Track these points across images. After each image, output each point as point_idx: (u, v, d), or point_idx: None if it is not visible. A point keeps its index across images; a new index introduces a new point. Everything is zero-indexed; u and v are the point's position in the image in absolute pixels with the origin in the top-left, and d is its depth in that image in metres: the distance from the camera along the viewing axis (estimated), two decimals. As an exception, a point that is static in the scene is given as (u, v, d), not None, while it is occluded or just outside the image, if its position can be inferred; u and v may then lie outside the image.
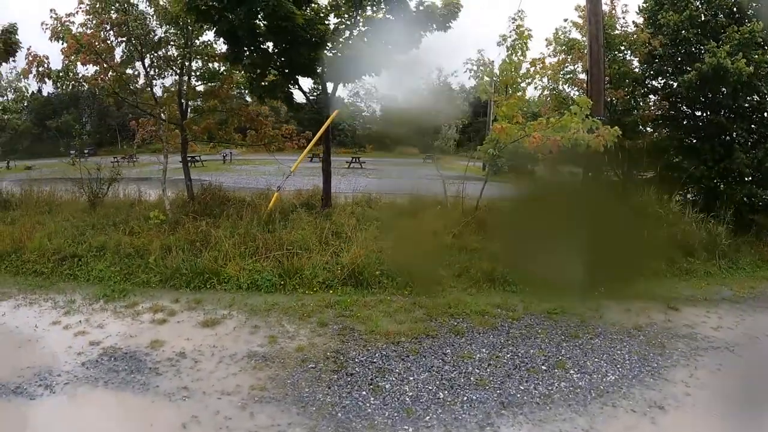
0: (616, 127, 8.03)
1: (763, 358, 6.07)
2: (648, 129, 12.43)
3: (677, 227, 9.39)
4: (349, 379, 5.23)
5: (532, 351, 5.95)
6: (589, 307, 7.06)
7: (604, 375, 5.48)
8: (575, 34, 12.39)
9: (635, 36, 12.00)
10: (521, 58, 10.69)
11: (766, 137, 11.04)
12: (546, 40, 12.61)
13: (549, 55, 12.58)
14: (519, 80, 10.85)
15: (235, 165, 24.81)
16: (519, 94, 11.16)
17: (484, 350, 5.95)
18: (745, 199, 10.59)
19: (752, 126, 11.42)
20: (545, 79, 12.37)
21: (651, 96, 12.51)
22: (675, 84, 11.66)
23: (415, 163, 18.54)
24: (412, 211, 10.80)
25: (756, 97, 11.13)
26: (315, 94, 11.41)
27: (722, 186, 10.95)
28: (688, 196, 11.30)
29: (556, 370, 5.54)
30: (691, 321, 6.91)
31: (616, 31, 12.22)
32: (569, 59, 12.41)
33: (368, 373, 5.35)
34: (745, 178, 10.77)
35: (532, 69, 11.57)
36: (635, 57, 12.37)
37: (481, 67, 10.52)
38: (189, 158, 11.27)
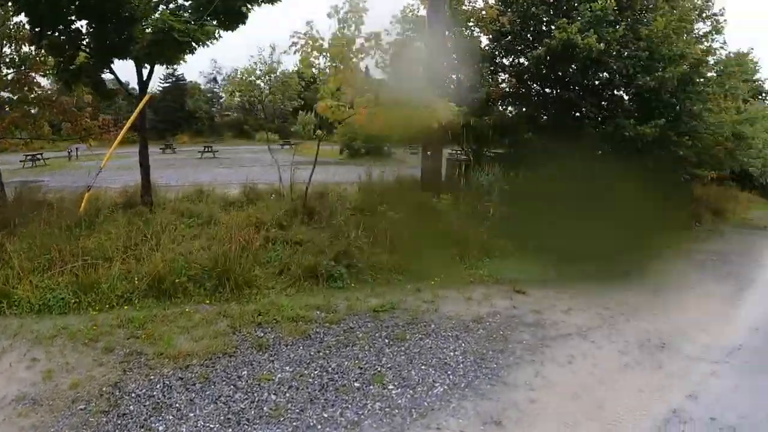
0: (453, 104, 7.14)
1: (619, 342, 5.37)
2: (501, 107, 11.98)
3: (524, 203, 8.83)
4: (119, 421, 3.99)
5: (346, 363, 4.69)
6: (425, 299, 5.97)
7: (430, 386, 4.34)
8: (424, 12, 11.58)
9: (484, 13, 11.44)
10: (354, 32, 9.51)
11: (616, 113, 10.87)
12: (393, 17, 11.88)
13: (399, 34, 11.71)
14: (351, 55, 9.70)
15: (81, 161, 21.75)
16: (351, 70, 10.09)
17: (287, 368, 4.63)
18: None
19: (602, 102, 11.27)
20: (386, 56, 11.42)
21: (501, 73, 12.08)
22: (525, 61, 11.24)
23: (273, 150, 17.30)
24: (245, 202, 9.48)
25: (606, 74, 10.93)
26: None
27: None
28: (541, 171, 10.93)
29: (371, 387, 4.32)
30: (539, 305, 6.15)
31: (464, 7, 11.61)
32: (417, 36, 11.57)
33: (143, 411, 4.11)
34: (595, 152, 10.49)
35: (367, 44, 10.54)
36: (484, 34, 11.87)
37: (309, 41, 9.19)
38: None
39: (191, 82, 38.29)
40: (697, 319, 6.09)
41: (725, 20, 13.04)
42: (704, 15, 13.26)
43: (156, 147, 25.10)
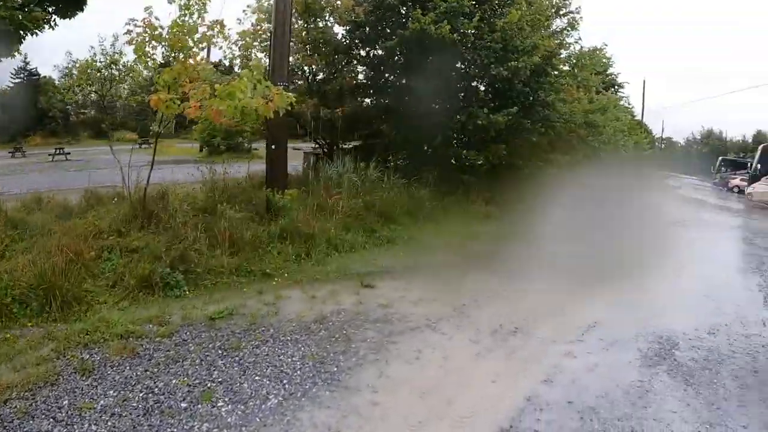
0: (289, 93, 6.78)
1: (470, 331, 5.29)
2: (358, 99, 11.85)
3: (376, 195, 8.68)
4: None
5: (174, 381, 4.21)
6: (266, 301, 5.62)
7: (264, 399, 3.99)
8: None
9: (339, 3, 11.25)
10: (197, 21, 8.88)
11: (470, 102, 11.09)
12: (248, 7, 11.40)
13: (254, 24, 11.29)
14: (191, 45, 9.09)
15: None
16: (191, 60, 9.48)
17: (111, 392, 4.07)
18: (453, 161, 10.48)
19: (460, 94, 11.47)
20: (235, 47, 10.92)
21: (357, 65, 11.97)
22: (380, 51, 11.19)
23: (127, 150, 16.05)
24: (86, 208, 8.52)
25: (460, 64, 11.12)
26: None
27: (429, 150, 10.78)
28: (398, 162, 10.94)
29: (200, 406, 3.89)
30: (387, 298, 5.96)
31: (320, -3, 11.35)
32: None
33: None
34: (452, 141, 10.66)
35: (209, 33, 9.98)
36: (339, 25, 11.70)
37: (147, 29, 8.44)
38: None
39: (45, 77, 34.70)
40: (552, 300, 6.20)
41: (581, 17, 14.09)
42: (561, 12, 14.17)
43: (5, 150, 22.64)
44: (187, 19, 7.95)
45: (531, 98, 11.19)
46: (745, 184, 30.70)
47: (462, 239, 8.59)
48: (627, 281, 7.19)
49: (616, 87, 28.93)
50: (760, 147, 30.39)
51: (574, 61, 14.15)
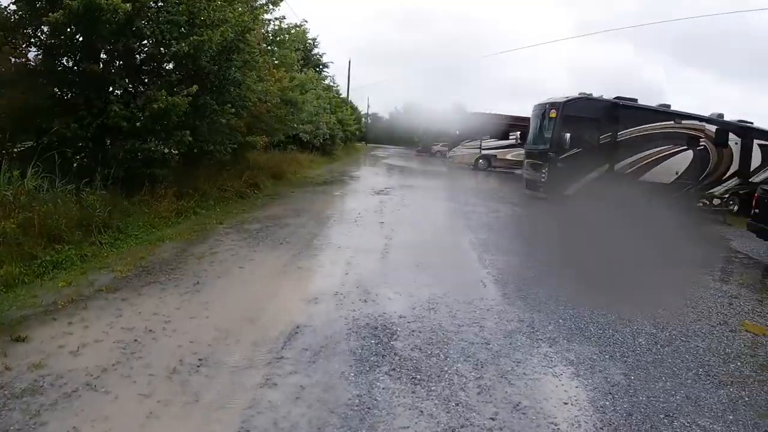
0: None
1: (141, 378, 3.95)
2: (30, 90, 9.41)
3: (33, 210, 6.82)
4: None
5: None
6: None
7: None
8: None
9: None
10: None
11: (152, 85, 9.82)
12: None
13: None
14: None
15: None
16: None
17: None
18: (130, 155, 9.10)
19: (141, 76, 10.07)
20: None
21: (29, 46, 9.45)
22: (45, 28, 9.01)
23: None
24: None
25: (139, 42, 9.68)
26: None
27: (109, 145, 9.22)
28: (73, 163, 9.03)
29: None
30: (43, 353, 4.27)
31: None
32: None
33: None
34: (133, 131, 9.14)
35: None
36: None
37: None
38: None
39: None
40: (246, 308, 5.36)
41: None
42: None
43: None
44: None
45: (221, 77, 10.45)
46: (446, 149, 35.24)
47: (147, 247, 7.47)
48: (335, 262, 7.41)
49: (321, 66, 30.18)
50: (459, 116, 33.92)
51: (272, 37, 13.80)
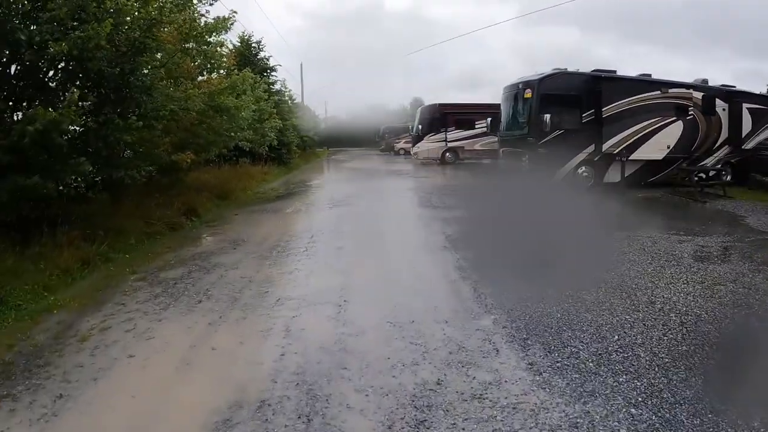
0: None
1: None
2: None
3: None
4: None
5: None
6: None
7: None
8: None
9: None
10: None
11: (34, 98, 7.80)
12: None
13: None
14: None
15: None
16: None
17: None
18: (17, 196, 7.05)
19: (21, 92, 8.03)
20: None
21: None
22: None
23: None
24: None
25: (10, 49, 7.64)
26: None
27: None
28: None
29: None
30: None
31: None
32: None
33: None
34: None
35: None
36: None
37: None
38: None
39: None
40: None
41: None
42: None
43: None
44: None
45: (120, 82, 8.41)
46: (410, 146, 34.18)
47: (28, 324, 5.42)
48: (269, 332, 5.09)
49: (268, 71, 28.43)
50: (419, 109, 33.45)
51: (188, 31, 11.48)
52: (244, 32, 27.50)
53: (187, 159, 10.65)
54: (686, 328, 4.85)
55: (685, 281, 6.31)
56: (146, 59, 9.01)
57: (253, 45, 27.73)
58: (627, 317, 5.16)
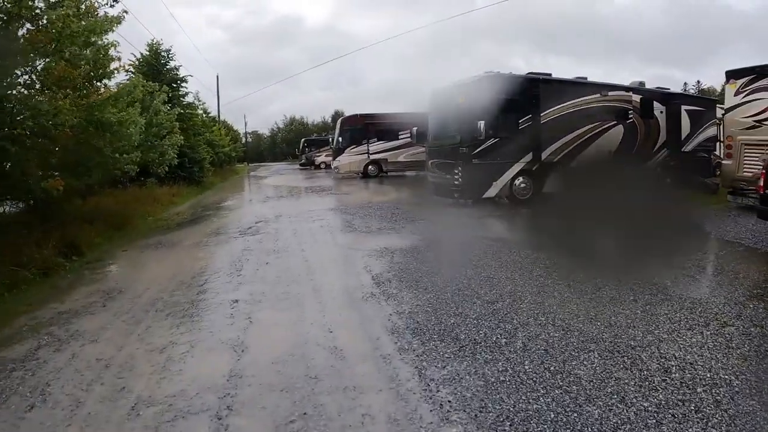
0: None
1: None
2: None
3: None
4: None
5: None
6: None
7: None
8: None
9: None
10: None
11: None
12: None
13: None
14: None
15: None
16: None
17: None
18: None
19: None
20: None
21: None
22: None
23: None
24: None
25: None
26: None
27: None
28: None
29: None
30: None
31: None
32: None
33: None
34: None
35: None
36: None
37: None
38: None
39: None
40: None
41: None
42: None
43: None
44: None
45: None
46: (331, 159, 33.40)
47: None
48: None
49: (179, 82, 26.77)
50: (339, 120, 32.78)
51: (60, 30, 9.61)
52: (153, 40, 25.67)
53: (58, 186, 8.75)
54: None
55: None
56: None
57: (162, 53, 25.85)
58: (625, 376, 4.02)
